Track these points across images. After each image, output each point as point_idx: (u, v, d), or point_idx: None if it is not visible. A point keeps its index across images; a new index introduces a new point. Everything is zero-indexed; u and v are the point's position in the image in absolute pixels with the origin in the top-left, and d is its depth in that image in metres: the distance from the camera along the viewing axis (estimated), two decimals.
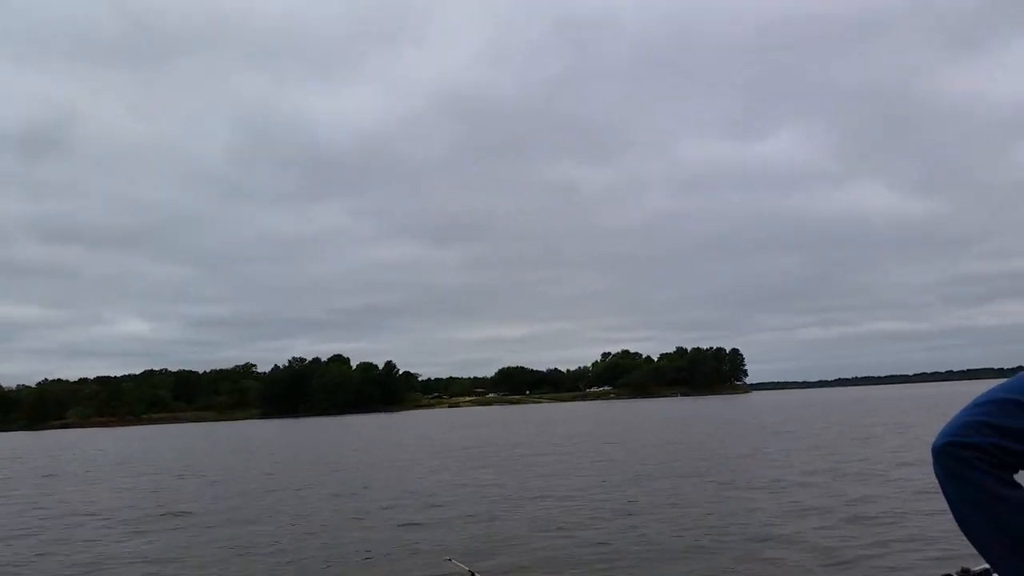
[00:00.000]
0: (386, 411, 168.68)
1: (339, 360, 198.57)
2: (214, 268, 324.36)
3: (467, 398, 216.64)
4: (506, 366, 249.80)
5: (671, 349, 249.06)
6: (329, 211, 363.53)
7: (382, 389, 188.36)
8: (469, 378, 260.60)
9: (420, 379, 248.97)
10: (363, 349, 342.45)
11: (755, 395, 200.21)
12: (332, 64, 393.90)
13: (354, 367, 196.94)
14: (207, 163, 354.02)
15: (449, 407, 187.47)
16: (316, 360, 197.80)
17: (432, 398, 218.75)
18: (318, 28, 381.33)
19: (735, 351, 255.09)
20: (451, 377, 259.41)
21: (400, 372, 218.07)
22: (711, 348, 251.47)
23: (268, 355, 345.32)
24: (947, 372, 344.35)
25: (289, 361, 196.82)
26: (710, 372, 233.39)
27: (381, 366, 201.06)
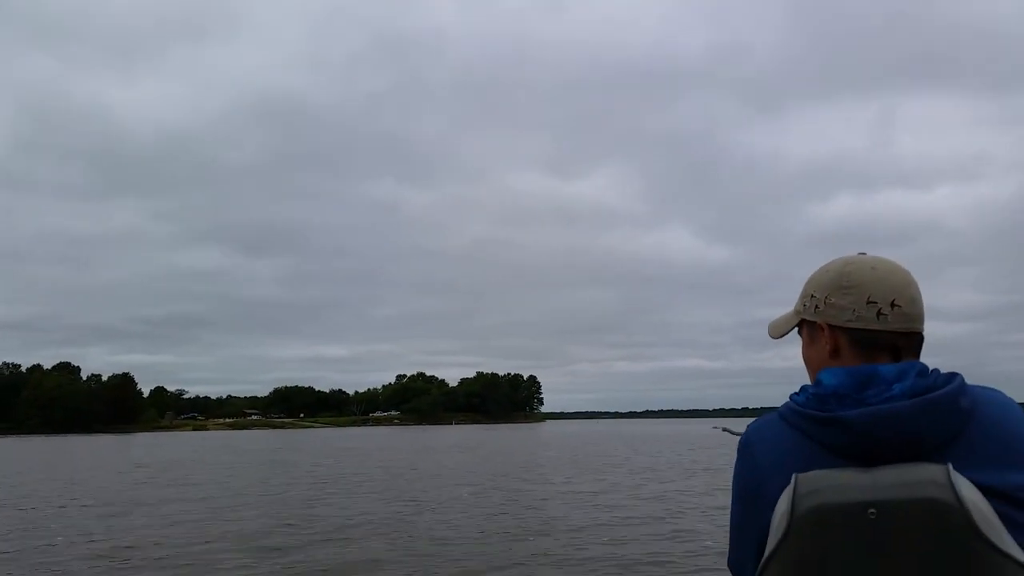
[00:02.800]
0: (112, 432, 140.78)
1: (66, 369, 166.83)
2: None
3: (224, 420, 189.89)
4: (283, 386, 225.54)
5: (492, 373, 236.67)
6: (125, 210, 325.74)
7: (115, 407, 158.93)
8: (244, 397, 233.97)
9: (186, 396, 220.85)
10: (165, 363, 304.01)
11: (548, 424, 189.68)
12: (132, 52, 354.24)
13: (86, 378, 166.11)
14: None
15: (194, 430, 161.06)
16: (37, 367, 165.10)
17: (185, 418, 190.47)
18: (116, 12, 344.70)
19: (532, 378, 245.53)
20: (227, 396, 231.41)
21: (140, 388, 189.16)
22: (508, 374, 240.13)
23: (55, 362, 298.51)
24: (743, 408, 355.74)
25: None
26: (503, 400, 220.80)
27: (162, 380, 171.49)
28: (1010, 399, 1.22)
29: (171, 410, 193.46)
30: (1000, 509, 1.07)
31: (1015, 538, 1.06)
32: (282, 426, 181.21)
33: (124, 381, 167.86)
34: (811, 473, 1.11)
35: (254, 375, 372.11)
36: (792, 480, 1.11)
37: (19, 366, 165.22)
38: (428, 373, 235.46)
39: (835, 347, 1.30)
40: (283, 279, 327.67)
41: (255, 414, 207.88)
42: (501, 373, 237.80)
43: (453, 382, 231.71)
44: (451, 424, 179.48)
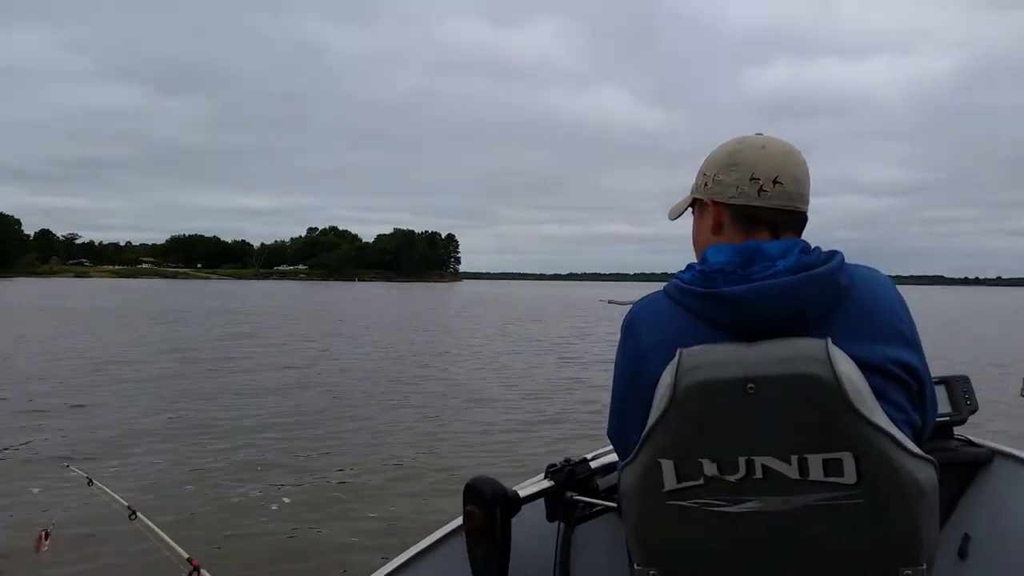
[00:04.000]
0: None
1: None
2: None
3: (110, 268, 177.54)
4: (182, 233, 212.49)
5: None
6: (27, 40, 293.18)
7: None
8: (142, 245, 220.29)
9: (79, 241, 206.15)
10: (79, 207, 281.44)
11: (463, 284, 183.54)
12: None
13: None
14: None
15: (76, 276, 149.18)
16: None
17: (72, 263, 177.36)
18: None
19: (450, 237, 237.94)
20: (126, 243, 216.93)
21: (24, 230, 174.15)
22: (425, 232, 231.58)
23: None
24: (662, 274, 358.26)
25: None
26: (418, 258, 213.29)
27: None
28: (885, 277, 1.28)
29: (57, 255, 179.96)
30: (872, 382, 1.12)
31: (885, 410, 1.12)
32: (175, 276, 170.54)
33: (1, 223, 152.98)
34: (694, 348, 1.14)
35: (172, 223, 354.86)
36: (677, 355, 1.14)
37: None
38: (352, 230, 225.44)
39: (718, 223, 1.33)
40: (202, 122, 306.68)
41: (149, 262, 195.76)
42: (419, 231, 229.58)
43: (370, 238, 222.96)
44: (354, 281, 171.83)
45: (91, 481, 3.29)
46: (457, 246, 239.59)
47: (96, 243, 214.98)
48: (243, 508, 6.45)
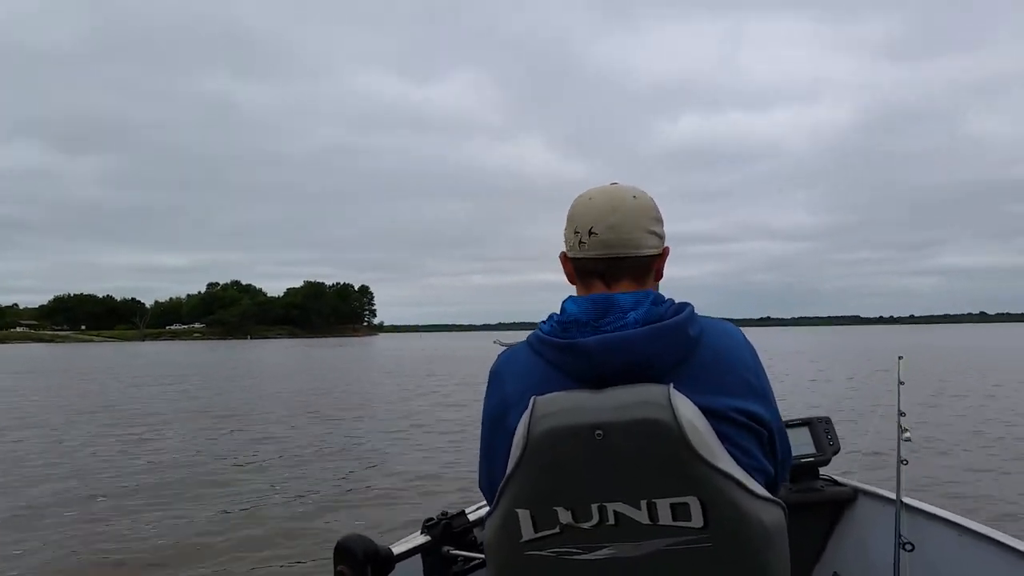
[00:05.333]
0: None
1: None
2: None
3: None
4: (65, 293, 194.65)
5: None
6: None
7: None
8: (22, 307, 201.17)
9: None
10: None
11: (379, 338, 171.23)
12: None
13: None
14: None
15: None
16: None
17: None
18: None
19: (364, 288, 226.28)
20: (12, 305, 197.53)
21: None
22: (336, 284, 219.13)
23: None
24: None
25: None
26: (328, 312, 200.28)
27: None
28: (737, 330, 1.32)
29: None
30: (720, 429, 1.16)
31: (734, 455, 1.16)
32: (51, 339, 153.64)
33: None
34: (546, 396, 1.17)
35: (86, 283, 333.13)
36: (530, 403, 1.17)
37: None
38: (271, 285, 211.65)
39: (569, 274, 1.40)
40: (109, 180, 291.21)
41: (30, 325, 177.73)
42: (331, 284, 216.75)
43: (280, 292, 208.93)
44: (246, 339, 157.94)
45: None
46: (372, 298, 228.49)
47: None
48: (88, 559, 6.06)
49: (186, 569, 5.91)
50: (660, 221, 1.37)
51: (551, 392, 1.18)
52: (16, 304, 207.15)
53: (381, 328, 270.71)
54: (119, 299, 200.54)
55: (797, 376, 25.21)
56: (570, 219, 1.36)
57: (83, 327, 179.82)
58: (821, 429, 2.39)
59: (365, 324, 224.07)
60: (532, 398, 1.17)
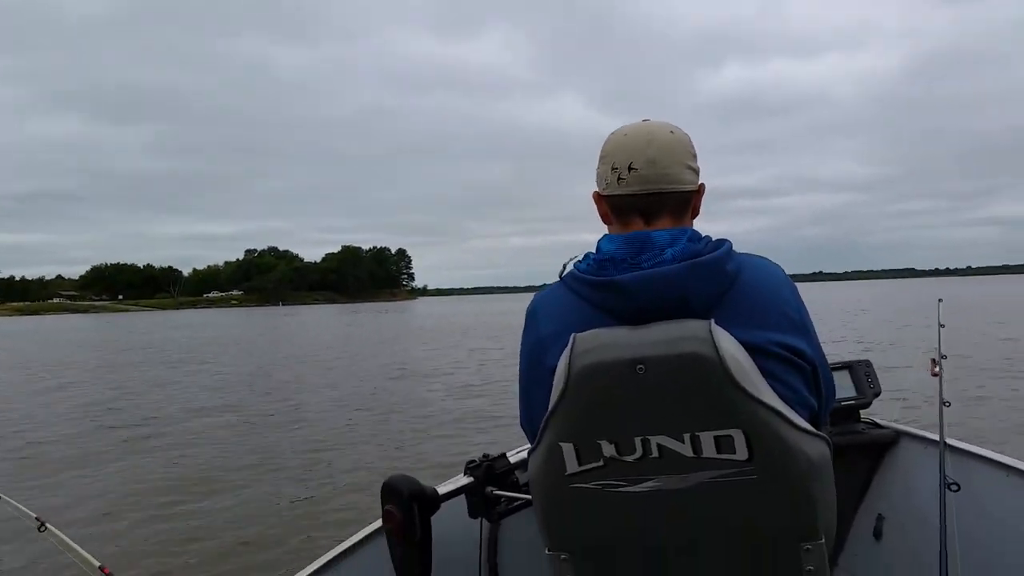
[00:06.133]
0: None
1: None
2: None
3: (13, 305, 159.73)
4: (103, 263, 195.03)
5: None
6: None
7: None
8: (59, 278, 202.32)
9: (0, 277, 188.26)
10: (40, 242, 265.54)
11: (417, 302, 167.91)
12: None
13: None
14: None
15: None
16: None
17: None
18: None
19: (402, 252, 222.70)
20: (56, 276, 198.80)
21: None
22: (373, 248, 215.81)
23: None
24: None
25: None
26: (365, 277, 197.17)
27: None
28: (776, 266, 1.31)
29: None
30: (762, 364, 1.16)
31: (777, 390, 1.16)
32: (87, 310, 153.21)
33: None
34: (586, 333, 1.17)
35: (134, 253, 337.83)
36: (570, 340, 1.17)
37: None
38: (310, 251, 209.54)
39: (604, 213, 1.37)
40: (156, 149, 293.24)
41: (68, 295, 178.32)
42: (366, 248, 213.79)
43: (318, 258, 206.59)
44: (279, 305, 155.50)
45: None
46: (410, 262, 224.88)
47: (17, 278, 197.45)
48: (154, 515, 6.52)
49: (245, 505, 6.64)
50: (695, 157, 1.36)
51: (588, 329, 1.18)
52: (60, 276, 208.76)
53: (423, 292, 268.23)
54: (157, 268, 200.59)
55: (840, 323, 25.30)
56: (605, 156, 1.34)
57: (120, 297, 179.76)
58: (861, 372, 2.40)
59: (405, 288, 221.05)
60: (572, 335, 1.17)
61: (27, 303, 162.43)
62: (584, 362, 1.14)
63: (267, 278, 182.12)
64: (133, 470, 8.31)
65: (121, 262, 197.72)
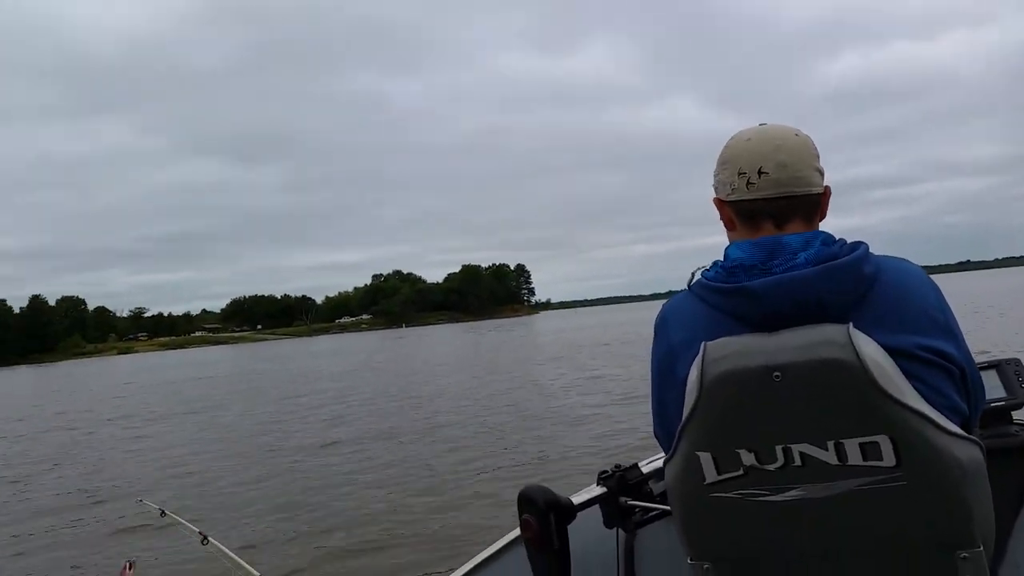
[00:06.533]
0: (27, 363, 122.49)
1: None
2: None
3: (158, 340, 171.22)
4: (241, 296, 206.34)
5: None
6: (109, 127, 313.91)
7: (28, 334, 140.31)
8: (204, 312, 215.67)
9: (148, 315, 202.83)
10: (187, 280, 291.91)
11: (539, 317, 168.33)
12: None
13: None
14: None
15: (119, 353, 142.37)
16: None
17: (128, 339, 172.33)
18: None
19: (520, 267, 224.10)
20: (201, 311, 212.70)
21: (89, 309, 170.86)
22: (492, 266, 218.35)
23: (80, 289, 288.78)
24: None
25: None
26: (485, 294, 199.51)
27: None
28: (917, 268, 1.26)
29: (115, 332, 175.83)
30: (904, 367, 1.11)
31: (924, 395, 1.11)
32: (227, 341, 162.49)
33: (34, 307, 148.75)
34: (718, 341, 1.15)
35: (271, 285, 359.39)
36: (701, 348, 1.15)
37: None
38: (432, 272, 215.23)
39: (729, 220, 1.34)
40: (284, 187, 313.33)
41: (211, 328, 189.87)
42: (486, 265, 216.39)
43: (440, 278, 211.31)
44: (396, 327, 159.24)
45: (163, 512, 3.51)
46: (529, 276, 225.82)
47: (165, 315, 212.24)
48: (310, 527, 6.91)
49: (396, 513, 7.17)
50: (819, 158, 1.32)
51: (719, 337, 1.16)
52: (204, 310, 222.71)
53: (547, 306, 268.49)
54: (293, 297, 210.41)
55: (984, 318, 23.63)
56: (729, 161, 1.30)
57: (259, 327, 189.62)
58: (1011, 371, 2.14)
59: (526, 303, 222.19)
60: (702, 343, 1.15)
61: (172, 337, 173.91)
62: (717, 370, 1.12)
63: (392, 301, 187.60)
64: (283, 484, 8.84)
65: (258, 294, 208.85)
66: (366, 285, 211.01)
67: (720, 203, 1.34)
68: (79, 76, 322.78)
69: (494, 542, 2.05)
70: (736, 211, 1.30)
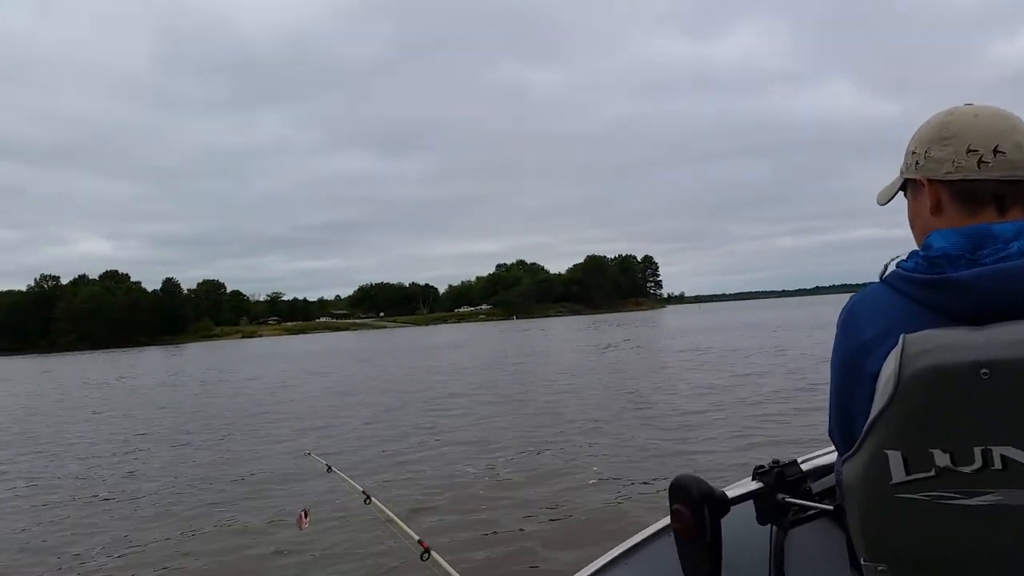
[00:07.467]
0: (157, 344, 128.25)
1: (112, 277, 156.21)
2: (161, 184, 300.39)
3: (282, 325, 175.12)
4: (367, 283, 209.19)
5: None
6: (269, 121, 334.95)
7: (160, 316, 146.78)
8: (329, 299, 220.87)
9: (283, 299, 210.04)
10: (337, 267, 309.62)
11: (666, 311, 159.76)
12: None
13: (133, 287, 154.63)
14: (129, 70, 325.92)
15: (243, 337, 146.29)
16: (82, 278, 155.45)
17: (258, 323, 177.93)
18: None
19: (648, 259, 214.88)
20: (303, 299, 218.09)
21: (223, 292, 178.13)
22: (618, 256, 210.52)
23: (239, 273, 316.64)
24: None
25: (37, 280, 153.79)
26: (609, 286, 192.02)
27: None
28: None
29: (247, 315, 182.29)
30: None
31: None
32: (348, 327, 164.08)
33: (165, 289, 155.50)
34: (919, 333, 1.07)
35: (412, 273, 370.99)
36: (900, 341, 1.07)
37: (56, 277, 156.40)
38: (563, 264, 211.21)
39: (937, 203, 1.23)
40: (427, 178, 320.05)
41: (338, 314, 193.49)
42: (612, 256, 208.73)
43: (565, 269, 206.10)
44: (511, 319, 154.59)
45: (330, 468, 3.67)
46: (656, 269, 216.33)
47: (300, 299, 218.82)
48: (471, 498, 7.39)
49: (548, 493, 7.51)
50: None
51: (916, 331, 1.08)
52: (338, 296, 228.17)
53: (679, 299, 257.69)
54: (420, 285, 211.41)
55: None
56: (953, 137, 1.20)
57: (381, 314, 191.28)
58: None
59: (654, 296, 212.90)
60: (901, 336, 1.07)
61: (295, 323, 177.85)
62: (918, 365, 1.04)
63: (512, 292, 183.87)
64: (448, 457, 9.53)
65: (386, 281, 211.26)
66: (489, 275, 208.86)
67: (928, 184, 1.23)
68: (242, 71, 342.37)
69: (640, 530, 2.02)
70: (955, 192, 1.20)
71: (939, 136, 1.21)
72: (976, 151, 1.17)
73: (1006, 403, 1.01)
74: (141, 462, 11.34)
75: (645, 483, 7.57)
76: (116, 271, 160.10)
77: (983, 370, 1.00)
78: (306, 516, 3.50)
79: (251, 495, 8.20)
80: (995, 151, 1.16)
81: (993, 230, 1.12)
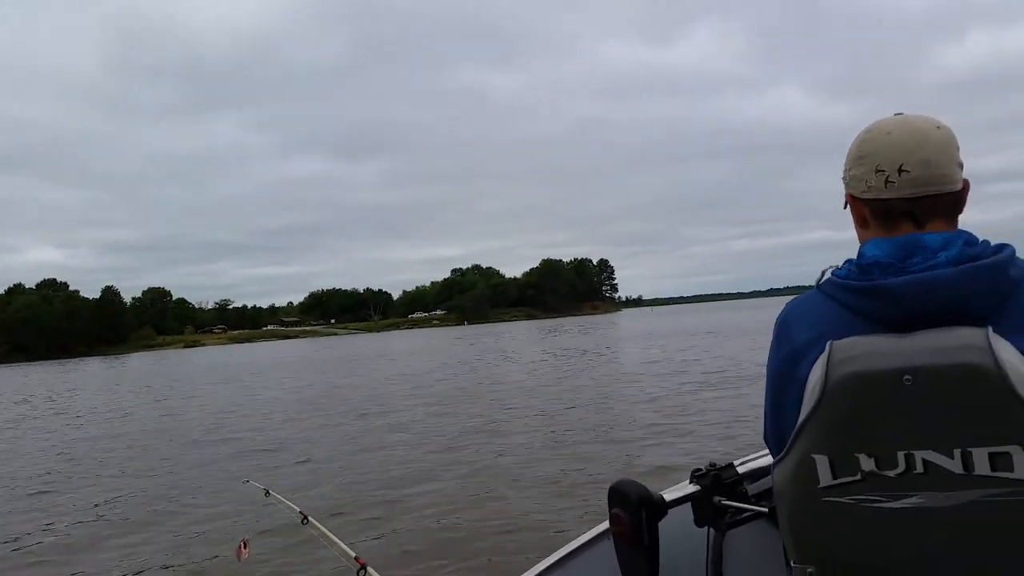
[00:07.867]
0: (94, 355, 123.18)
1: (50, 286, 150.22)
2: (114, 190, 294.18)
3: (225, 333, 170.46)
4: (319, 289, 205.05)
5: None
6: (222, 125, 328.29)
7: (100, 325, 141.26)
8: (282, 305, 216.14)
9: (232, 307, 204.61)
10: (294, 273, 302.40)
11: (621, 315, 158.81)
12: None
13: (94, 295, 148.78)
14: (80, 75, 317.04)
15: (186, 347, 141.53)
16: (17, 287, 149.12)
17: (202, 331, 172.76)
18: None
19: (603, 262, 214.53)
20: (252, 307, 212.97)
21: (168, 300, 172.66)
22: (574, 260, 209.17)
23: (194, 280, 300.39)
24: None
25: None
26: (564, 290, 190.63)
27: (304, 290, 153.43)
28: None
29: (191, 324, 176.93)
30: None
31: None
32: (298, 335, 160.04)
33: (104, 297, 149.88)
34: (845, 340, 1.10)
35: (370, 279, 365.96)
36: (827, 347, 1.10)
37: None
38: (524, 267, 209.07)
39: (861, 218, 1.28)
40: (386, 182, 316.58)
41: (288, 322, 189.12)
42: (566, 260, 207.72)
43: (519, 274, 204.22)
44: (463, 324, 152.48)
45: (268, 492, 3.66)
46: (612, 272, 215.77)
47: (249, 307, 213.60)
48: (407, 512, 7.37)
49: (483, 504, 7.53)
50: (959, 150, 1.24)
51: (847, 336, 1.11)
52: (290, 302, 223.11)
53: (636, 303, 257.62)
54: (369, 291, 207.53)
55: None
56: (866, 156, 1.23)
57: (332, 320, 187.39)
58: None
59: (611, 299, 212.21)
60: (828, 342, 1.10)
61: (242, 331, 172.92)
62: (843, 371, 1.07)
63: (466, 296, 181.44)
64: (382, 470, 9.54)
65: (343, 288, 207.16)
66: (444, 279, 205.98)
67: (853, 199, 1.27)
68: (195, 75, 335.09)
69: (580, 535, 2.04)
70: (872, 210, 1.23)
71: (856, 155, 1.25)
72: (883, 171, 1.19)
73: (928, 409, 1.03)
74: (63, 495, 9.99)
75: (584, 489, 7.62)
76: (55, 279, 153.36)
77: (906, 376, 1.02)
78: (245, 546, 3.49)
79: (187, 528, 7.73)
80: (900, 170, 1.18)
81: (923, 240, 1.15)
